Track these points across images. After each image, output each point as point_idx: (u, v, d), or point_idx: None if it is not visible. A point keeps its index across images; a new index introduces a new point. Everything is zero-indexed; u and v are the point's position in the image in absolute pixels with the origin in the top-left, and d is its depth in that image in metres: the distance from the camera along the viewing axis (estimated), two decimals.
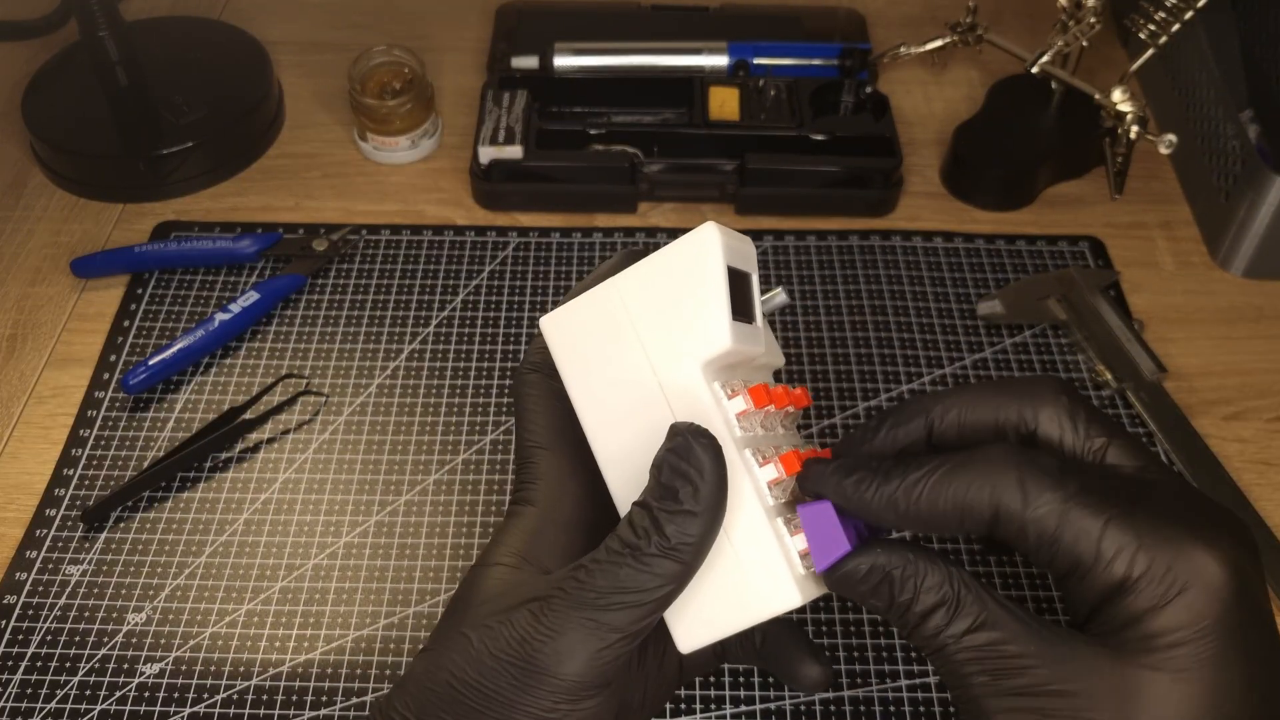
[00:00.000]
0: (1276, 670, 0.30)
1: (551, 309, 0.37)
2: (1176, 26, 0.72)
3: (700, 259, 0.33)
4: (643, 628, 0.32)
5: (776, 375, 0.40)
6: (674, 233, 0.74)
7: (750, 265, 0.35)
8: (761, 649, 0.40)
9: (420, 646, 0.55)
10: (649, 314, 0.34)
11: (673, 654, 0.38)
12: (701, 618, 0.34)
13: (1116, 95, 0.71)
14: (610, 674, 0.33)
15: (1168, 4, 0.72)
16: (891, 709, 0.53)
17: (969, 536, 0.35)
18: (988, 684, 0.31)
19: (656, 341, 0.34)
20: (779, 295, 0.37)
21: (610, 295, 0.35)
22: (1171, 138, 0.69)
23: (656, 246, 0.79)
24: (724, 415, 0.34)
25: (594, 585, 0.32)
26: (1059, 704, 0.30)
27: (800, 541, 0.33)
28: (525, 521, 0.36)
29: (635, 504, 0.33)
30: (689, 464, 0.32)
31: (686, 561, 0.32)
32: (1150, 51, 0.73)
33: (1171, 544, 0.30)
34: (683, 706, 0.53)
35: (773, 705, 0.53)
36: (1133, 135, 0.71)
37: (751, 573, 0.33)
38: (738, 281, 0.34)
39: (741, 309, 0.34)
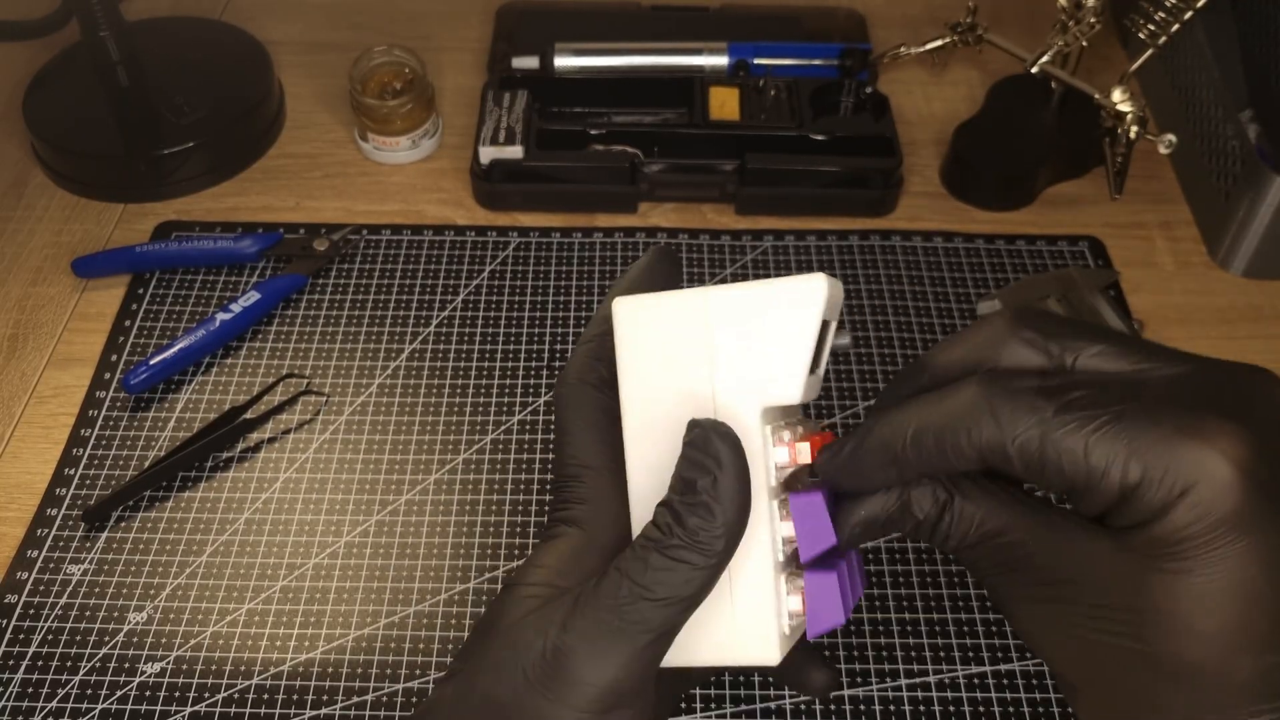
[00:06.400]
0: None
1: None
2: (1176, 27, 0.72)
3: (799, 309, 0.33)
4: (673, 628, 0.32)
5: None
6: (674, 233, 0.74)
7: (834, 313, 0.34)
8: None
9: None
10: (730, 338, 0.34)
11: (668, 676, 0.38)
12: (680, 639, 0.34)
13: (1116, 95, 0.71)
14: (643, 680, 0.32)
15: (1167, 4, 0.72)
16: (891, 708, 0.53)
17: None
18: (999, 575, 0.32)
19: (728, 367, 0.34)
20: (842, 339, 0.36)
21: (697, 304, 0.34)
22: (1171, 138, 0.69)
23: (656, 245, 0.78)
24: (765, 462, 0.33)
25: (622, 587, 0.31)
26: (1068, 591, 0.30)
27: (795, 602, 0.33)
28: (566, 544, 0.35)
29: (659, 503, 0.32)
30: (707, 455, 0.31)
31: (713, 554, 0.31)
32: (1150, 51, 0.73)
33: (1165, 444, 0.28)
34: (682, 706, 0.53)
35: (773, 704, 0.53)
36: (1132, 135, 0.71)
37: (741, 619, 0.33)
38: (820, 333, 0.34)
39: (814, 361, 0.34)
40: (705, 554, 0.31)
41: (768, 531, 0.33)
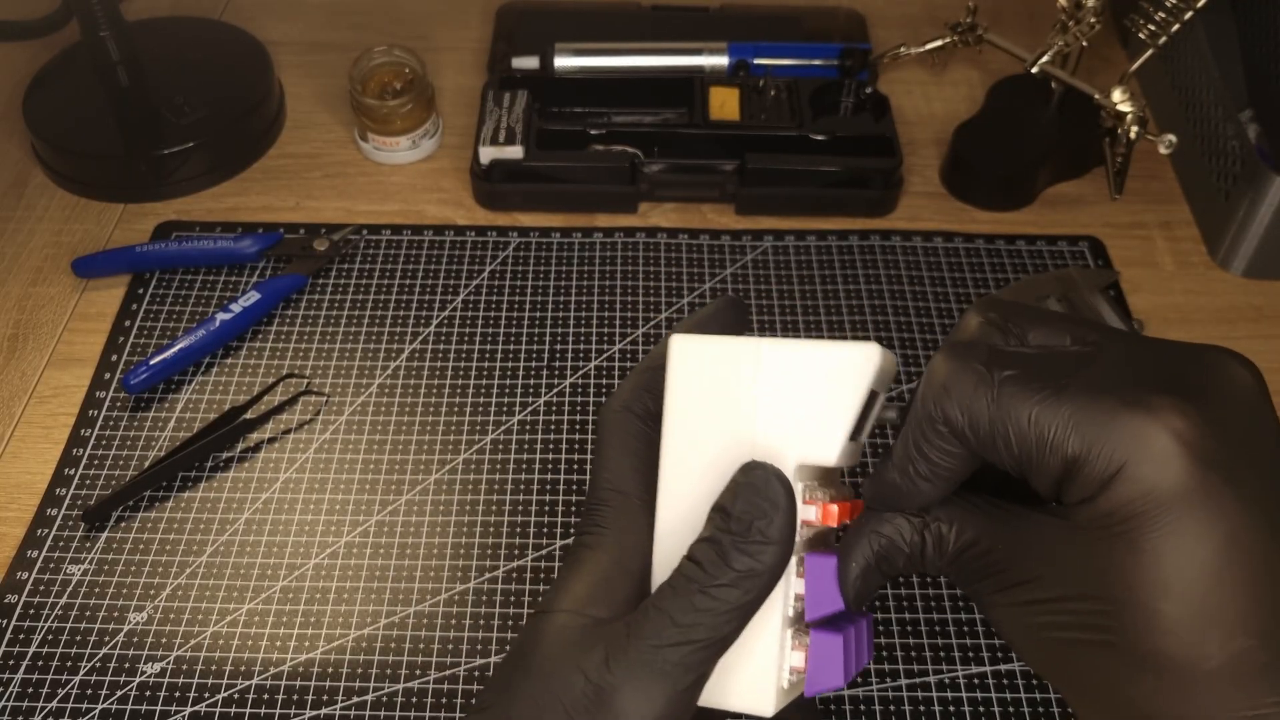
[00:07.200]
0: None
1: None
2: (1176, 27, 0.72)
3: (848, 376, 0.33)
4: (710, 668, 0.32)
5: None
6: (674, 233, 0.74)
7: (884, 384, 0.35)
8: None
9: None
10: (776, 392, 0.34)
11: None
12: None
13: (1116, 95, 0.71)
14: (686, 715, 0.32)
15: (1168, 4, 0.72)
16: (891, 708, 0.53)
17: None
18: (977, 585, 0.32)
19: (770, 418, 0.34)
20: (889, 413, 0.36)
21: (749, 352, 0.35)
22: (1171, 138, 0.69)
23: (656, 246, 0.78)
24: None
25: (665, 625, 0.31)
26: (1034, 590, 0.30)
27: (798, 659, 0.34)
28: (592, 568, 0.35)
29: (699, 541, 0.32)
30: (764, 498, 0.32)
31: (755, 592, 0.31)
32: (1150, 52, 0.73)
33: (1106, 416, 0.28)
34: None
35: None
36: (1132, 135, 0.71)
37: (742, 667, 0.34)
38: (867, 402, 0.34)
39: (857, 429, 0.34)
40: (747, 593, 0.31)
41: (781, 585, 0.34)
